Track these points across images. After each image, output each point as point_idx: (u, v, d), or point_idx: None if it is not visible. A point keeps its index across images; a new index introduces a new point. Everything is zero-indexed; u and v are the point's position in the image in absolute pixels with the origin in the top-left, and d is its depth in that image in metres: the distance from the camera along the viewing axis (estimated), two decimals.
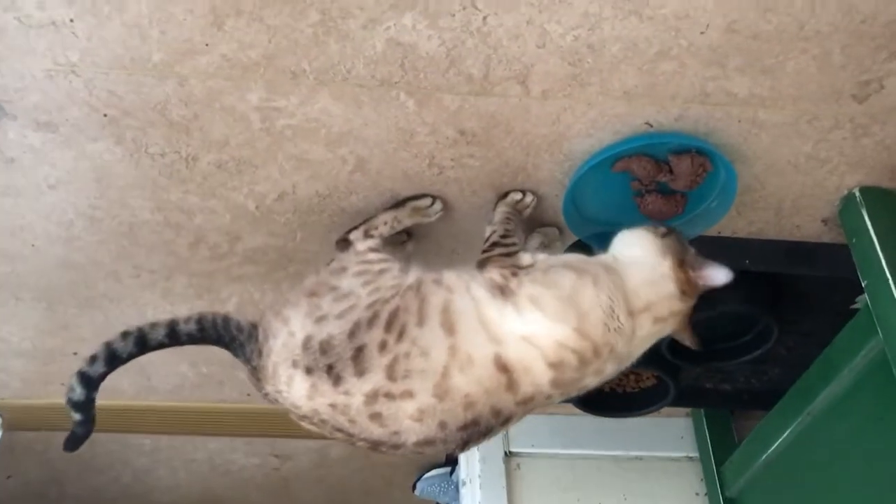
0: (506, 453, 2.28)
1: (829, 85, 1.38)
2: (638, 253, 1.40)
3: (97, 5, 1.25)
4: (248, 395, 2.30)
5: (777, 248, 1.70)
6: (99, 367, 1.38)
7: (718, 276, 1.36)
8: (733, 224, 1.66)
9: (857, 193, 1.56)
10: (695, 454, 2.31)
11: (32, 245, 1.71)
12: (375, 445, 1.32)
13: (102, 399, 2.27)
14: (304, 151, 1.49)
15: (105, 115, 1.42)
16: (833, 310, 1.82)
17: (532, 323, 1.30)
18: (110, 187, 1.57)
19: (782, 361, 2.02)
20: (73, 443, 1.41)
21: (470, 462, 2.30)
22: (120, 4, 1.25)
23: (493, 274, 1.37)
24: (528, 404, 1.32)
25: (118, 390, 2.26)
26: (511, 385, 1.29)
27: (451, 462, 2.63)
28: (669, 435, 2.34)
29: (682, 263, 1.37)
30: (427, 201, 1.58)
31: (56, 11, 1.25)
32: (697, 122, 1.44)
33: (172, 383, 2.25)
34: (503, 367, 1.29)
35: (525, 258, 1.41)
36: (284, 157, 1.50)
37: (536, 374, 1.29)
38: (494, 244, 1.46)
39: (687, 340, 1.44)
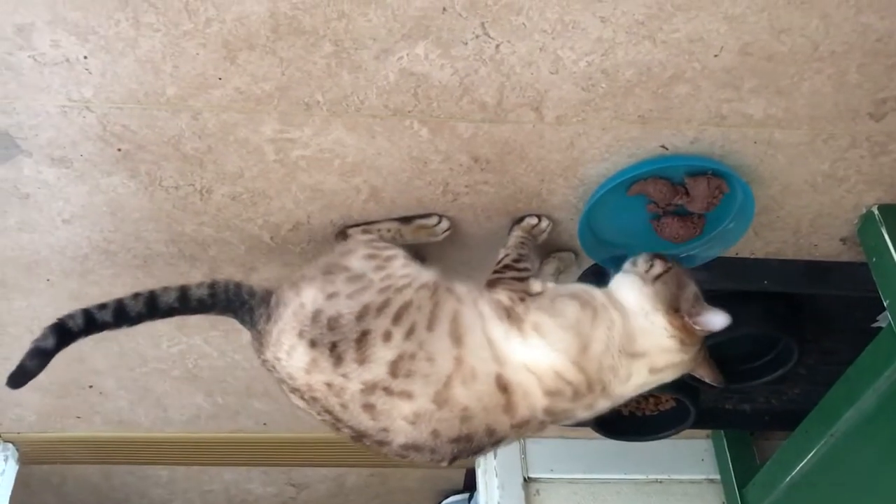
0: (524, 479, 2.26)
1: (844, 104, 1.37)
2: (631, 300, 1.39)
3: (110, 42, 1.25)
4: (265, 424, 2.29)
5: (795, 268, 1.68)
6: (105, 315, 1.37)
7: (716, 321, 1.35)
8: (751, 245, 1.65)
9: (876, 211, 1.54)
10: (716, 476, 2.28)
11: (47, 280, 1.71)
12: (360, 436, 1.30)
13: (119, 432, 2.30)
14: (319, 182, 1.49)
15: (119, 150, 1.43)
16: (853, 328, 1.80)
17: (534, 349, 1.31)
18: (125, 220, 1.57)
19: (802, 381, 2.00)
20: (22, 376, 1.36)
21: (489, 488, 2.28)
22: (133, 41, 1.25)
23: (501, 296, 1.37)
24: (523, 428, 1.32)
25: (134, 423, 2.26)
26: (509, 407, 1.29)
27: (470, 488, 2.61)
28: (690, 457, 2.31)
29: (676, 310, 1.36)
30: (434, 220, 1.57)
31: (70, 49, 1.26)
32: (713, 144, 1.43)
33: (188, 414, 2.24)
34: (504, 387, 1.29)
35: (535, 285, 1.41)
36: (299, 188, 1.50)
37: (533, 400, 1.30)
38: (507, 266, 1.46)
39: (707, 377, 1.44)
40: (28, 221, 1.56)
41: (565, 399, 1.31)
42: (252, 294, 1.40)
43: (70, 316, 1.38)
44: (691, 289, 1.39)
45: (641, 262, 1.44)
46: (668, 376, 1.39)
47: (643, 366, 1.36)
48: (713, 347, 1.76)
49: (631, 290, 1.40)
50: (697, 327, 1.35)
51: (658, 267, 1.42)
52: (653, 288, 1.39)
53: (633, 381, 1.36)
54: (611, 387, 1.34)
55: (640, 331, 1.36)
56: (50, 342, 1.36)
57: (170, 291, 1.39)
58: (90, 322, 1.37)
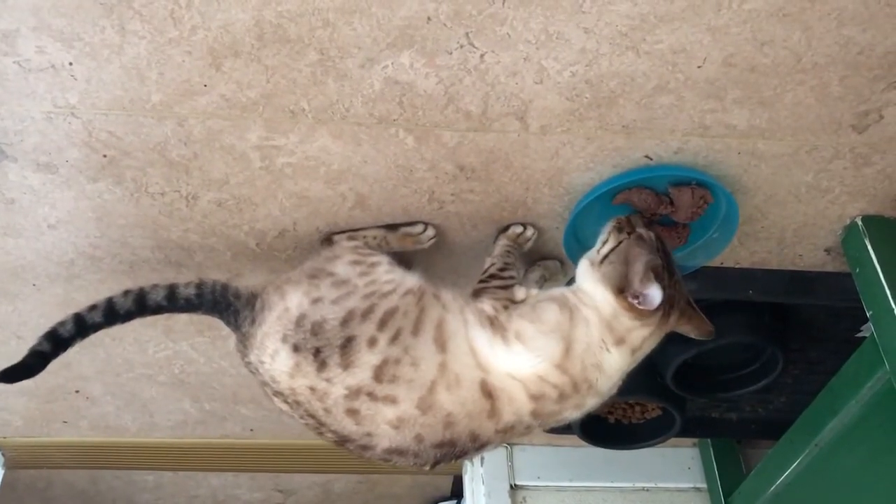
0: (511, 486, 2.26)
1: (828, 116, 1.38)
2: (591, 289, 1.36)
3: (95, 49, 1.25)
4: (252, 430, 2.29)
5: (780, 278, 1.69)
6: (96, 316, 1.39)
7: (650, 301, 1.29)
8: (736, 254, 1.65)
9: (860, 222, 1.55)
10: (702, 485, 2.28)
11: (33, 284, 1.71)
12: (343, 441, 1.31)
13: (105, 437, 2.30)
14: (304, 189, 1.49)
15: (104, 156, 1.43)
16: (838, 338, 1.81)
17: (518, 356, 1.31)
18: (111, 226, 1.57)
19: (788, 390, 2.01)
20: (20, 372, 1.39)
21: (475, 495, 2.28)
22: (118, 47, 1.25)
23: (485, 305, 1.38)
24: (508, 433, 1.33)
25: (121, 428, 2.26)
26: (493, 412, 1.30)
27: (457, 495, 2.61)
28: (676, 465, 2.32)
29: (621, 291, 1.32)
30: (419, 228, 1.57)
31: (55, 55, 1.26)
32: (697, 154, 1.43)
33: (175, 420, 2.23)
34: (488, 393, 1.30)
35: (520, 292, 1.42)
36: (284, 195, 1.51)
37: (518, 405, 1.30)
38: (492, 276, 1.46)
39: (691, 333, 1.39)
40: (13, 226, 1.56)
41: (551, 401, 1.31)
42: (238, 296, 1.41)
43: (61, 323, 1.39)
44: (640, 263, 1.32)
45: (602, 236, 1.41)
46: (650, 347, 1.36)
47: (627, 349, 1.34)
48: (699, 356, 1.78)
49: (586, 278, 1.38)
50: (641, 307, 1.31)
51: (610, 243, 1.38)
52: (600, 271, 1.35)
53: (621, 369, 1.35)
54: (598, 384, 1.33)
55: (611, 316, 1.33)
56: (46, 347, 1.39)
57: (158, 289, 1.41)
58: (81, 325, 1.39)
